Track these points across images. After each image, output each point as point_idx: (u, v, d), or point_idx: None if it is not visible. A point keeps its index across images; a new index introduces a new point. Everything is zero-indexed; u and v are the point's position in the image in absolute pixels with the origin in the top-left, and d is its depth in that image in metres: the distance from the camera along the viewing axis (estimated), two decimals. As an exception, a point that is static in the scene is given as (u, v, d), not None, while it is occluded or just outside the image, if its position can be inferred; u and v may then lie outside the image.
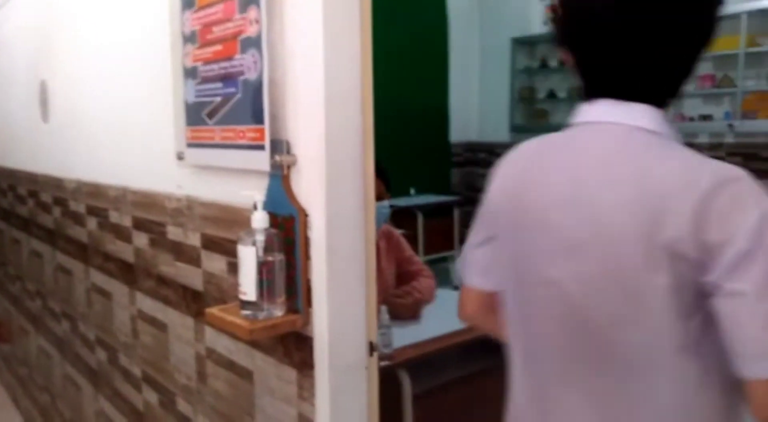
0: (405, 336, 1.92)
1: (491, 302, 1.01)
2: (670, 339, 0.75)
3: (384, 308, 1.75)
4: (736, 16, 4.28)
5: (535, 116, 5.94)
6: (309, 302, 1.12)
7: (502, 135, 6.04)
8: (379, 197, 2.22)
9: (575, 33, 0.86)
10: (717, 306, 0.72)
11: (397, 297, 2.11)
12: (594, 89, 0.88)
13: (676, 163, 0.79)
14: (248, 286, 1.10)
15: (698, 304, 0.74)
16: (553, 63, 5.69)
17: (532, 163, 0.95)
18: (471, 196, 6.41)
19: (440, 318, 2.10)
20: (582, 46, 0.86)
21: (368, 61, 1.10)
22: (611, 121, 0.84)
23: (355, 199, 1.12)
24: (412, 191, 5.21)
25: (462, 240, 6.29)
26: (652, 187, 0.76)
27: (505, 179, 0.99)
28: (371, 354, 1.16)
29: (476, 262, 1.03)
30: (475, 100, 6.32)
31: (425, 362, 1.83)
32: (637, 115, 0.83)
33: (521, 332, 0.92)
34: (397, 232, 2.41)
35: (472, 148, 6.39)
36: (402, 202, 5.24)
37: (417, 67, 5.82)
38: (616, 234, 0.76)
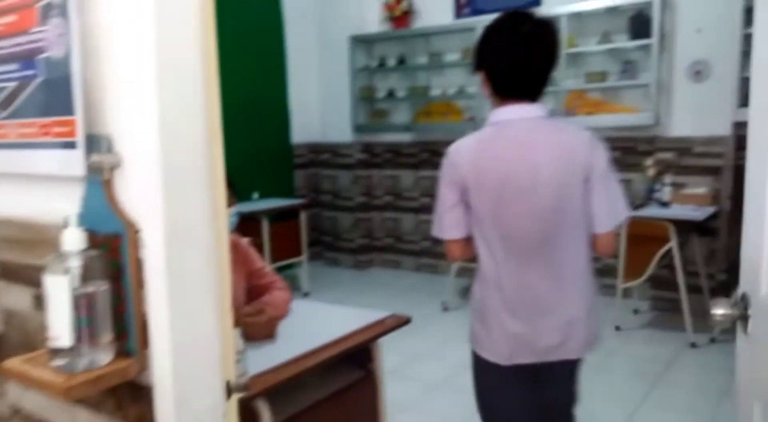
0: (260, 359, 1.71)
1: (466, 243, 1.69)
2: (579, 225, 1.60)
3: (237, 331, 1.53)
4: (556, 19, 4.57)
5: (375, 115, 5.94)
6: (145, 342, 0.87)
7: (345, 135, 5.96)
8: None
9: (496, 68, 1.61)
10: (591, 196, 1.56)
11: (250, 316, 1.88)
12: (504, 98, 1.62)
13: (569, 132, 1.61)
14: (61, 327, 0.84)
15: (581, 201, 1.57)
16: (391, 62, 5.72)
17: (484, 151, 1.61)
18: (317, 199, 6.26)
19: (297, 334, 1.91)
20: (499, 75, 1.61)
21: (211, 31, 0.88)
22: (523, 117, 1.60)
23: (201, 207, 0.90)
24: (255, 196, 4.93)
25: (311, 244, 6.17)
26: (564, 146, 1.57)
27: (469, 164, 1.60)
28: (229, 397, 0.95)
29: (452, 222, 1.66)
30: (315, 100, 6.17)
31: (285, 387, 1.64)
32: (535, 109, 1.61)
33: (501, 243, 1.61)
34: (245, 242, 2.18)
35: (316, 149, 6.24)
36: (245, 207, 4.93)
37: (252, 65, 5.54)
38: (559, 176, 1.55)
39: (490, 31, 1.63)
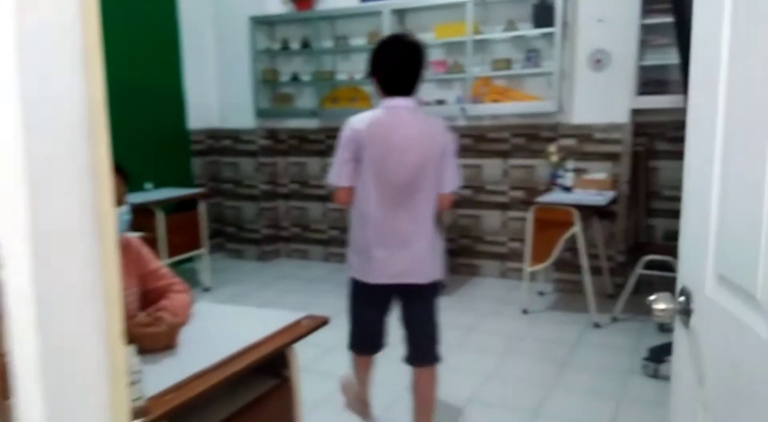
0: (161, 375, 1.51)
1: (351, 192, 2.30)
2: (432, 185, 2.26)
3: (130, 349, 1.32)
4: (462, 5, 4.55)
5: (279, 100, 5.69)
6: (4, 392, 0.67)
7: (247, 120, 5.67)
8: (118, 201, 1.74)
9: (383, 75, 2.24)
10: (442, 167, 2.27)
11: (146, 326, 1.66)
12: (389, 93, 2.24)
13: (433, 119, 2.29)
14: None
15: (435, 167, 2.25)
16: (294, 45, 5.48)
17: (377, 121, 2.24)
18: (217, 188, 5.94)
19: (201, 343, 1.71)
20: (385, 79, 2.24)
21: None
22: (403, 105, 2.24)
23: (81, 208, 0.71)
24: (149, 186, 4.56)
25: (212, 235, 5.84)
26: (429, 128, 2.26)
27: (366, 129, 2.22)
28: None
29: (345, 173, 2.27)
30: (213, 84, 5.81)
31: (191, 406, 1.45)
32: (410, 102, 2.25)
33: (380, 188, 2.22)
34: (137, 240, 1.94)
35: (215, 135, 5.89)
36: (137, 197, 4.56)
37: (141, 44, 5.12)
38: (424, 146, 2.22)
39: (378, 48, 2.30)
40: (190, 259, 5.04)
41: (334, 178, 2.31)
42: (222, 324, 1.86)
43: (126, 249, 1.86)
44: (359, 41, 5.21)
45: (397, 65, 2.24)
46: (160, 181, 5.08)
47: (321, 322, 1.82)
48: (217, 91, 5.81)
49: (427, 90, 5.04)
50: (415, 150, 2.23)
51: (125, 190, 1.74)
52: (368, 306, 2.44)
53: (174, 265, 4.93)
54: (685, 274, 1.16)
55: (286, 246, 5.89)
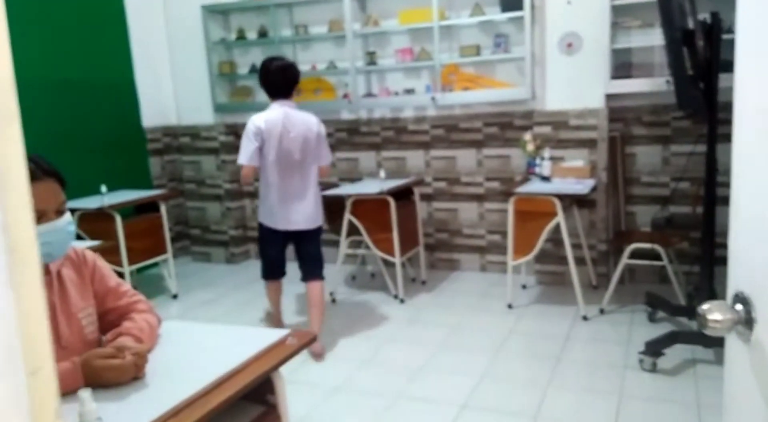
0: (128, 416, 1.30)
1: (255, 170, 3.36)
2: (313, 160, 3.44)
3: (85, 394, 1.10)
4: (429, -10, 4.37)
5: (238, 94, 5.42)
6: None
7: (206, 116, 5.38)
8: (59, 210, 1.51)
9: (270, 84, 3.39)
10: (318, 148, 3.47)
11: (108, 358, 1.44)
12: (275, 97, 3.39)
13: (309, 115, 3.44)
14: None
15: (314, 147, 3.43)
16: (251, 35, 5.22)
17: (272, 119, 3.32)
18: (178, 188, 5.64)
19: (173, 371, 1.49)
20: (272, 88, 3.39)
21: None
22: (287, 105, 3.38)
23: None
24: (104, 189, 4.26)
25: (176, 238, 5.55)
26: (307, 121, 3.40)
27: (265, 125, 3.29)
28: None
29: (252, 156, 3.30)
30: (167, 78, 5.50)
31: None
32: (290, 102, 3.41)
33: (277, 166, 3.32)
34: (92, 254, 1.71)
35: (172, 132, 5.59)
36: (92, 202, 4.25)
37: (86, 39, 4.80)
38: (305, 136, 3.37)
39: (264, 65, 3.41)
40: (154, 265, 4.76)
41: (245, 159, 3.31)
42: (195, 347, 1.64)
43: (80, 265, 1.63)
44: (320, 29, 4.99)
45: (279, 76, 3.35)
46: (115, 183, 4.77)
47: (309, 340, 1.62)
48: (171, 85, 5.50)
49: (394, 79, 4.87)
50: (299, 138, 3.34)
51: (64, 199, 1.51)
52: (273, 245, 3.55)
53: (137, 272, 4.65)
54: (740, 278, 1.00)
55: (256, 247, 5.64)
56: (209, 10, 5.15)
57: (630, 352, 3.20)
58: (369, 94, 4.89)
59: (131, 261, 4.25)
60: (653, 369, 2.98)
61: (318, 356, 3.41)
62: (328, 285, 4.40)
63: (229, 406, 1.44)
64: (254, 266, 5.41)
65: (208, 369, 1.47)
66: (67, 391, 1.38)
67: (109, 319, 1.66)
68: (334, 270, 4.42)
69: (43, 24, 4.45)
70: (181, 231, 5.74)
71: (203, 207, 5.60)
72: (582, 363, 3.17)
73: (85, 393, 1.09)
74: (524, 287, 4.36)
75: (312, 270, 3.54)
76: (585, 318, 3.71)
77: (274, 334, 1.64)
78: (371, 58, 4.83)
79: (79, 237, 4.13)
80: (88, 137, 4.81)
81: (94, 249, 3.17)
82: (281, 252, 3.58)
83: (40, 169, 1.45)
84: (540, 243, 3.75)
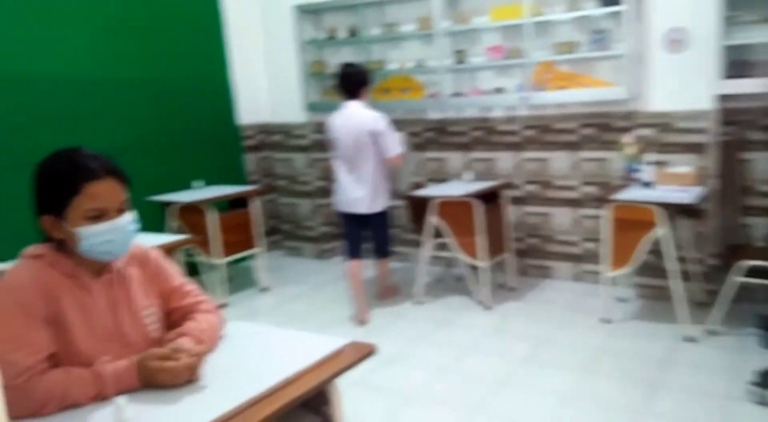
0: (170, 419, 1.27)
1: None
2: (367, 154, 3.85)
3: (121, 402, 1.07)
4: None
5: (329, 93, 5.44)
6: None
7: (297, 114, 5.46)
8: (120, 209, 1.51)
9: (340, 87, 3.92)
10: (380, 141, 3.83)
11: (164, 359, 1.42)
12: (345, 98, 3.90)
13: (367, 114, 3.82)
14: None
15: (372, 141, 3.82)
16: (342, 34, 5.22)
17: (342, 118, 3.87)
18: (272, 184, 5.77)
19: (228, 376, 1.45)
20: (342, 89, 3.91)
21: None
22: (354, 105, 3.86)
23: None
24: (199, 184, 4.43)
25: (269, 233, 5.68)
26: (362, 122, 3.80)
27: (334, 122, 3.89)
28: None
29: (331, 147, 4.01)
30: (261, 76, 5.64)
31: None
32: (358, 102, 3.88)
33: (341, 157, 3.91)
34: (156, 252, 1.71)
35: (266, 129, 5.72)
36: (185, 196, 4.42)
37: (185, 39, 5.00)
38: (358, 133, 3.80)
39: (337, 71, 3.94)
40: (246, 258, 4.87)
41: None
42: (255, 352, 1.60)
43: (143, 263, 1.64)
44: (409, 27, 4.90)
45: (345, 81, 3.86)
46: (214, 178, 4.96)
47: (367, 353, 1.53)
48: (266, 84, 5.62)
49: (484, 78, 4.70)
50: (356, 133, 3.77)
51: (125, 197, 1.51)
52: (346, 226, 4.04)
53: (230, 264, 4.80)
54: None
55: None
56: (302, 10, 5.20)
57: (737, 382, 2.86)
58: (457, 93, 4.75)
59: (225, 254, 4.39)
60: (763, 401, 2.65)
61: (360, 322, 3.97)
62: (408, 285, 4.53)
63: (283, 415, 1.38)
64: (343, 263, 5.44)
65: (262, 376, 1.42)
66: (123, 390, 1.38)
67: (174, 319, 1.66)
68: (417, 271, 4.32)
69: (143, 25, 4.68)
70: (275, 226, 5.86)
71: (294, 203, 5.68)
72: (682, 391, 2.85)
73: (122, 401, 1.06)
74: (622, 301, 4.05)
75: (377, 248, 4.12)
76: (688, 339, 3.36)
77: (332, 343, 1.56)
78: (460, 57, 4.68)
79: (179, 231, 4.32)
80: (187, 134, 5.01)
81: (181, 242, 3.31)
82: (354, 234, 4.01)
83: (103, 167, 1.46)
84: (640, 255, 3.46)
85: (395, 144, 3.81)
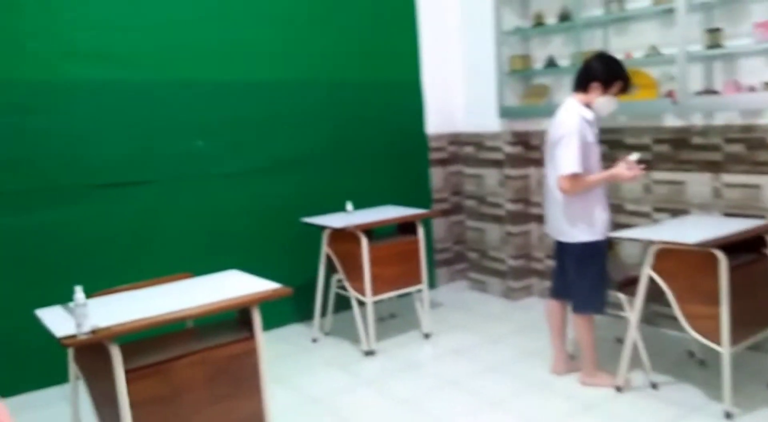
0: None
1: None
2: (551, 164, 2.93)
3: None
4: None
5: (531, 94, 4.38)
6: None
7: (491, 121, 4.50)
8: None
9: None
10: (556, 148, 2.82)
11: None
12: (573, 91, 2.98)
13: (564, 113, 2.90)
14: None
15: (551, 155, 2.90)
16: (550, 20, 4.12)
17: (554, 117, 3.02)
18: (459, 203, 4.93)
19: None
20: (575, 78, 3.02)
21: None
22: (569, 101, 2.95)
23: None
24: (349, 207, 3.79)
25: (451, 261, 4.84)
26: (556, 121, 2.92)
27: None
28: None
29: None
30: (456, 78, 4.81)
31: None
32: (574, 98, 2.95)
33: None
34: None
35: (457, 140, 4.88)
36: (337, 220, 3.76)
37: (378, 41, 4.49)
38: (549, 136, 2.93)
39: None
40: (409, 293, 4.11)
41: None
42: None
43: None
44: (640, 4, 3.61)
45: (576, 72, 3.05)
46: (391, 195, 4.44)
47: None
48: (460, 86, 4.78)
49: (750, 68, 3.22)
50: (549, 135, 3.00)
51: None
52: (554, 254, 3.15)
53: (398, 298, 4.11)
54: None
55: (540, 283, 4.56)
56: (504, -5, 4.25)
57: None
58: (707, 91, 3.34)
59: (375, 291, 3.65)
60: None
61: (555, 372, 3.26)
62: (612, 361, 3.15)
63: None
64: (535, 307, 4.36)
65: None
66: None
67: None
68: (625, 341, 3.08)
69: (329, 23, 4.26)
70: (460, 252, 5.01)
71: (482, 228, 4.74)
72: None
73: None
74: None
75: (571, 297, 3.06)
76: None
77: None
78: (714, 38, 3.26)
79: (328, 261, 3.73)
80: (369, 143, 4.47)
81: (263, 296, 2.61)
82: (558, 266, 3.14)
83: None
84: None
85: (567, 160, 2.81)
